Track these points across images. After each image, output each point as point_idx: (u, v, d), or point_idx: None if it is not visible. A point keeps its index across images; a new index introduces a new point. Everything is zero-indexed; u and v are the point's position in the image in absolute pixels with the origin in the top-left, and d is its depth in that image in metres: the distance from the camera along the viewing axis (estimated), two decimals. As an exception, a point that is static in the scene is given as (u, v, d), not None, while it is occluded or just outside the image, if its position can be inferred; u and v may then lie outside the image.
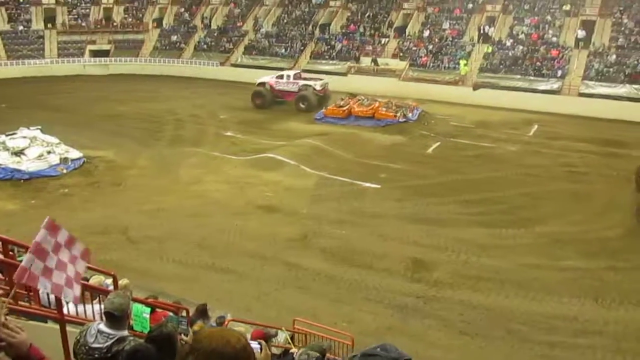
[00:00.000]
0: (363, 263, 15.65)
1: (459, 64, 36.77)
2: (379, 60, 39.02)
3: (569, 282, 14.51)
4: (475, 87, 34.77)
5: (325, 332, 11.38)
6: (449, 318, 13.13)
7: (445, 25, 40.93)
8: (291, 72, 35.71)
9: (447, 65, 37.31)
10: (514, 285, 14.40)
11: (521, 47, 36.54)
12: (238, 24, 47.23)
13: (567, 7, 38.58)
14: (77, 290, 4.35)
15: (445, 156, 25.28)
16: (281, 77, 34.98)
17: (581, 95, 32.77)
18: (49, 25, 47.47)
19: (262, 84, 35.05)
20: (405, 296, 14.01)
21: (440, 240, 16.95)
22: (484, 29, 39.04)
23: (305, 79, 34.98)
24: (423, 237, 17.20)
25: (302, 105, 33.52)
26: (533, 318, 13.02)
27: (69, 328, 5.73)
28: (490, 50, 37.21)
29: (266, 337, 8.46)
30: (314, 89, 34.00)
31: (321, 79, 35.19)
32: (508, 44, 37.40)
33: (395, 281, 14.72)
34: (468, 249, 16.35)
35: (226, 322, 9.45)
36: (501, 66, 35.81)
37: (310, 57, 41.85)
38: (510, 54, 36.43)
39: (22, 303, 6.10)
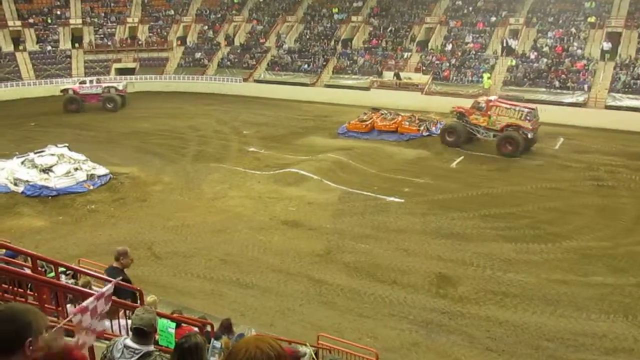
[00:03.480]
0: (387, 278, 15.54)
1: (482, 77, 36.65)
2: (402, 74, 39.05)
3: (598, 299, 14.21)
4: (499, 100, 34.49)
5: (350, 347, 11.33)
6: (475, 334, 12.94)
7: (468, 38, 40.86)
8: (93, 78, 40.27)
9: (470, 79, 37.20)
10: (542, 301, 14.15)
11: (545, 60, 36.27)
12: (261, 41, 47.70)
13: (592, 19, 38.25)
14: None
15: (470, 170, 25.10)
16: (84, 82, 38.89)
17: (608, 107, 32.41)
18: (76, 45, 48.50)
19: (66, 90, 38.42)
20: (430, 312, 13.86)
21: (465, 255, 16.77)
22: (507, 42, 38.86)
23: (106, 81, 39.42)
24: (448, 252, 17.03)
25: (110, 105, 37.79)
26: (561, 335, 12.77)
27: (95, 343, 5.78)
28: (513, 63, 37.00)
29: (296, 358, 8.39)
30: (117, 89, 38.58)
31: (121, 81, 40.28)
32: (532, 56, 37.15)
33: (420, 296, 14.58)
34: (494, 264, 16.15)
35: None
36: (525, 79, 35.58)
37: (333, 72, 42.08)
38: (534, 66, 36.17)
39: (51, 318, 6.16)
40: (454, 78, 37.74)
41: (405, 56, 41.36)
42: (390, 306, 14.17)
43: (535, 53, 37.32)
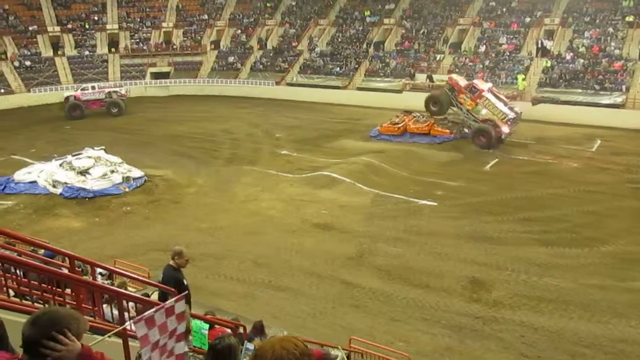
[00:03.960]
0: (420, 282, 15.42)
1: (516, 78, 36.13)
2: (435, 76, 38.76)
3: (637, 304, 13.84)
4: (534, 102, 33.96)
5: (382, 351, 11.28)
6: (509, 340, 12.72)
7: (502, 39, 40.35)
8: (95, 84, 40.45)
9: (504, 80, 36.70)
10: (578, 306, 13.85)
11: (582, 61, 35.57)
12: (293, 44, 47.95)
13: (630, 18, 37.34)
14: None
15: (504, 173, 24.76)
16: (86, 88, 38.98)
17: (646, 108, 31.61)
18: (113, 50, 49.56)
19: (68, 97, 38.40)
20: (463, 316, 13.69)
21: (500, 259, 16.53)
22: (542, 43, 38.24)
23: (107, 87, 39.44)
24: (481, 255, 16.82)
25: (114, 110, 37.94)
26: (599, 342, 12.47)
27: (131, 343, 5.87)
28: (549, 64, 36.40)
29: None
30: (119, 94, 38.74)
31: (122, 86, 40.47)
32: (568, 57, 36.47)
33: (453, 301, 14.42)
34: (528, 268, 15.87)
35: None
36: (561, 80, 34.93)
37: (365, 75, 42.03)
38: (570, 67, 35.51)
39: (87, 317, 6.28)
40: (488, 80, 37.26)
41: (437, 58, 41.08)
42: (422, 310, 14.05)
43: (571, 54, 36.64)
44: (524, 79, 35.84)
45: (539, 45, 38.26)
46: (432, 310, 14.02)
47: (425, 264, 16.40)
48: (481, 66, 38.42)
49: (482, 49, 40.23)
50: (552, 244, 17.31)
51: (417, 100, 35.93)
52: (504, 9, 42.84)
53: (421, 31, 44.31)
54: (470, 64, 39.12)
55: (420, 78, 39.49)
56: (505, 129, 27.45)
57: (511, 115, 27.96)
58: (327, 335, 12.10)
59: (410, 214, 20.36)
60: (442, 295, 14.66)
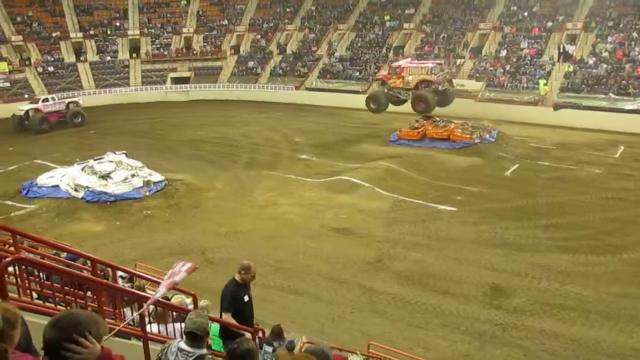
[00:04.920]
0: (439, 288, 15.30)
1: (538, 83, 35.81)
2: (454, 81, 38.54)
3: (662, 313, 13.61)
4: (556, 107, 33.66)
5: (401, 357, 11.20)
6: (530, 347, 12.56)
7: (524, 44, 40.06)
8: (55, 95, 39.28)
9: (525, 85, 36.42)
10: (601, 315, 13.63)
11: (605, 66, 35.14)
12: (312, 49, 48.09)
13: (654, 23, 36.88)
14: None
15: (525, 178, 24.51)
16: (46, 100, 37.57)
17: (671, 114, 31.11)
18: (134, 55, 50.15)
19: (28, 111, 36.61)
20: (483, 323, 13.56)
21: (520, 265, 16.34)
22: (564, 48, 37.86)
23: (66, 98, 38.76)
24: (502, 262, 16.65)
25: (77, 120, 37.11)
26: (621, 351, 12.25)
27: (151, 345, 5.92)
28: (571, 69, 36.03)
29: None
30: (78, 104, 38.14)
31: (79, 97, 39.89)
32: (590, 62, 36.09)
33: (473, 307, 14.28)
34: (550, 275, 15.67)
35: (301, 345, 9.44)
36: (583, 85, 34.53)
37: (385, 79, 41.90)
38: (593, 72, 35.10)
39: (108, 320, 6.34)
40: (509, 85, 37.02)
41: (458, 63, 40.86)
42: (442, 316, 13.95)
43: (594, 58, 36.24)
44: (545, 84, 35.51)
45: (561, 50, 37.87)
46: (451, 316, 13.90)
47: (445, 270, 16.28)
48: (502, 71, 38.15)
49: (503, 53, 39.97)
50: (574, 251, 17.07)
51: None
52: (526, 14, 42.54)
53: (441, 36, 44.17)
54: (491, 68, 38.87)
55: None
56: (433, 77, 31.03)
57: (431, 65, 31.77)
58: (346, 341, 12.07)
59: (430, 219, 20.24)
60: (461, 301, 14.54)
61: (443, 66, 32.06)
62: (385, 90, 32.41)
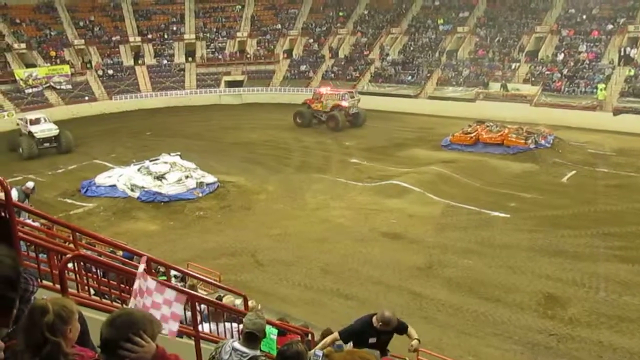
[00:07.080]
0: (491, 296, 15.01)
1: (596, 88, 34.70)
2: (509, 85, 37.82)
3: None
4: (616, 112, 32.57)
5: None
6: (586, 359, 12.18)
7: (582, 47, 38.88)
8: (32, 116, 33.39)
9: (583, 90, 35.38)
10: (662, 328, 13.11)
11: (669, 69, 33.83)
12: (365, 53, 47.99)
13: None
14: (173, 326, 5.10)
15: (582, 185, 23.78)
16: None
17: None
18: (189, 59, 51.18)
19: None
20: (536, 333, 13.22)
21: (576, 275, 15.86)
22: (625, 51, 36.60)
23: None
24: (557, 271, 16.18)
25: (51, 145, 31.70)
26: (684, 366, 11.77)
27: (203, 345, 6.02)
28: (632, 73, 34.80)
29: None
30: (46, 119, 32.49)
31: (43, 115, 33.55)
32: (653, 66, 34.78)
33: (526, 316, 13.95)
34: (607, 285, 15.15)
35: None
36: (645, 90, 33.32)
37: (437, 83, 41.51)
38: (656, 76, 33.84)
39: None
40: (566, 89, 36.02)
41: (513, 67, 40.05)
42: (493, 325, 13.67)
43: (657, 62, 34.93)
44: (604, 89, 34.38)
45: (622, 54, 36.65)
46: (503, 325, 13.61)
47: (497, 277, 15.96)
48: (559, 75, 37.17)
49: (560, 57, 38.92)
50: (633, 261, 16.45)
51: (490, 110, 35.32)
52: (584, 16, 41.29)
53: (496, 39, 43.35)
54: (548, 72, 37.91)
55: (494, 87, 38.65)
56: (344, 103, 36.39)
57: (342, 93, 37.45)
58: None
59: (482, 226, 19.88)
60: (514, 310, 14.21)
61: (353, 94, 37.94)
62: (309, 110, 37.72)
